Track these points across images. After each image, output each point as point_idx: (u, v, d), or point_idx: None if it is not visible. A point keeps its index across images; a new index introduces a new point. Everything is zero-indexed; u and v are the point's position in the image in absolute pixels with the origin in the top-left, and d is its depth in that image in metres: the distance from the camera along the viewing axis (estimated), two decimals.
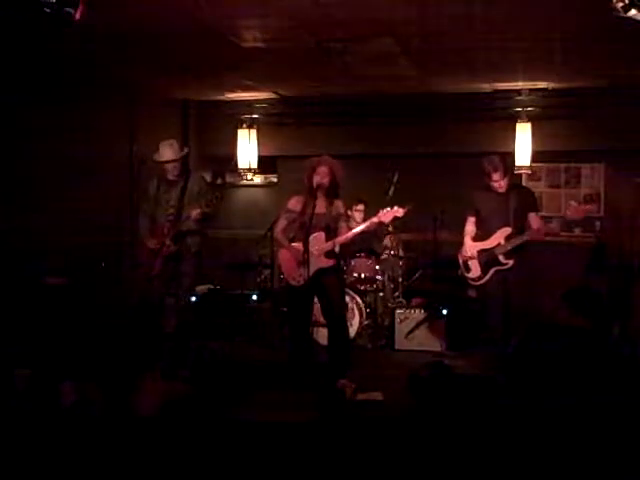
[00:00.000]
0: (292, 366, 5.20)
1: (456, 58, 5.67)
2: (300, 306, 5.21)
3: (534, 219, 5.13)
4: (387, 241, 6.83)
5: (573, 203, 5.13)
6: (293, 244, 5.16)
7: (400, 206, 5.01)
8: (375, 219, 5.02)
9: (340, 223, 5.15)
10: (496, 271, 5.17)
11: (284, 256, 5.25)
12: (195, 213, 5.22)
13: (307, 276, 4.91)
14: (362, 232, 5.14)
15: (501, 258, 5.14)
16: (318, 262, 5.03)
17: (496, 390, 4.53)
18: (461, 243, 5.47)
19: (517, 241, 5.06)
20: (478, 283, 5.30)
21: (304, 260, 4.91)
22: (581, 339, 5.54)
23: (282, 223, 5.26)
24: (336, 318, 5.20)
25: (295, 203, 5.19)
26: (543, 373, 4.86)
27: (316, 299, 5.27)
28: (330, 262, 5.10)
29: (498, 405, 4.24)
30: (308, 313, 5.26)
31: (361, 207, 6.59)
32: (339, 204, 5.17)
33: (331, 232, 5.10)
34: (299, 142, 7.57)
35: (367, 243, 6.55)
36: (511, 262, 5.11)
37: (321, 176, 5.04)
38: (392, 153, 7.36)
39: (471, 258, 5.26)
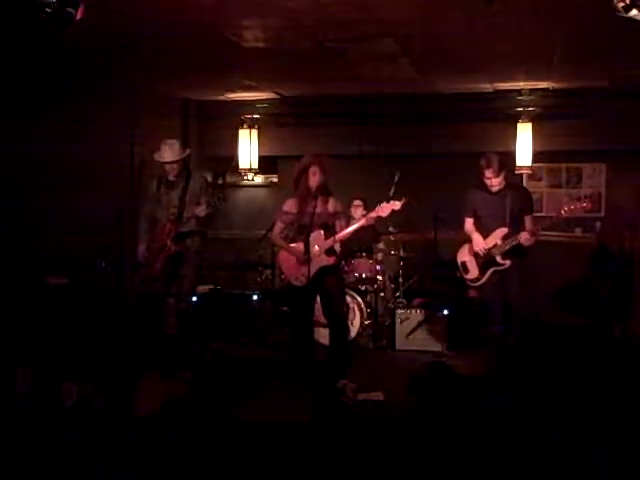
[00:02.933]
0: (294, 366, 5.20)
1: (456, 58, 5.66)
2: (302, 306, 5.21)
3: (528, 222, 5.12)
4: (387, 241, 6.83)
5: (566, 207, 5.11)
6: (292, 245, 5.16)
7: (397, 199, 5.01)
8: (373, 213, 5.02)
9: (338, 221, 5.14)
10: (494, 272, 5.17)
11: (284, 257, 5.24)
12: (199, 210, 5.20)
13: (309, 275, 4.91)
14: (361, 227, 5.15)
15: (498, 259, 5.13)
16: (319, 261, 5.03)
17: (496, 390, 4.54)
18: (461, 243, 5.45)
19: (513, 242, 5.05)
20: (476, 284, 5.30)
21: (305, 260, 4.92)
22: (581, 339, 5.55)
23: (279, 226, 5.25)
24: (337, 317, 5.20)
25: (291, 205, 5.18)
26: (543, 373, 4.87)
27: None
28: (331, 260, 5.10)
29: (498, 405, 4.24)
30: (310, 313, 5.26)
31: (359, 203, 6.60)
32: (336, 202, 5.17)
33: (330, 230, 5.10)
34: (299, 142, 7.56)
35: (367, 243, 6.55)
36: (508, 262, 5.11)
37: (317, 175, 5.04)
38: (392, 153, 7.36)
39: (489, 251, 5.17)
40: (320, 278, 5.05)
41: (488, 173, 5.08)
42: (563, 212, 5.04)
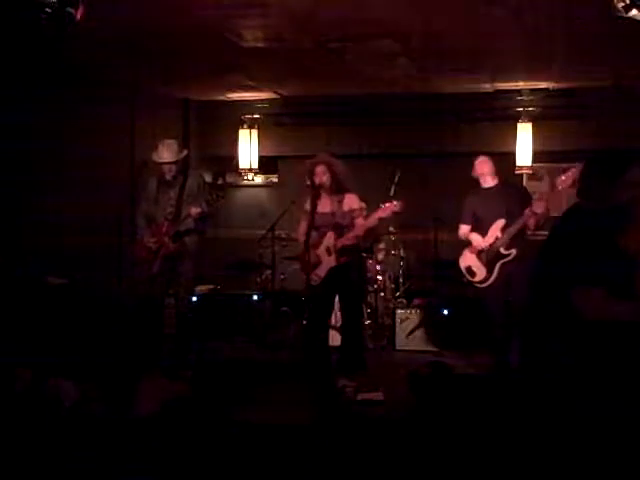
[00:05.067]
0: (307, 366, 5.19)
1: (456, 58, 5.66)
2: (318, 306, 5.22)
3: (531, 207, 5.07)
4: (387, 241, 6.83)
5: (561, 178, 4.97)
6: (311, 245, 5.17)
7: (397, 200, 5.01)
8: (376, 215, 5.02)
9: (356, 219, 5.10)
10: (502, 265, 5.10)
11: (304, 256, 5.22)
12: (195, 211, 5.23)
13: (320, 276, 4.94)
14: (366, 229, 5.15)
15: (502, 250, 5.09)
16: (329, 261, 5.05)
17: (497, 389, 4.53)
18: (461, 247, 5.43)
19: (513, 229, 5.01)
20: (486, 284, 5.22)
21: (318, 260, 4.97)
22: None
23: (303, 225, 5.24)
24: (350, 315, 5.21)
25: (309, 204, 5.20)
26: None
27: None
28: (341, 260, 5.08)
29: (498, 405, 4.24)
30: (325, 314, 5.26)
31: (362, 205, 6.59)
32: (351, 199, 5.13)
33: (343, 229, 5.08)
34: (299, 142, 7.57)
35: (367, 243, 6.55)
36: (514, 251, 5.04)
37: (320, 176, 5.06)
38: (392, 153, 7.36)
39: (490, 247, 5.14)
40: (334, 278, 5.06)
41: (480, 158, 5.10)
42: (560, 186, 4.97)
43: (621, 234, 2.84)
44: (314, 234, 5.10)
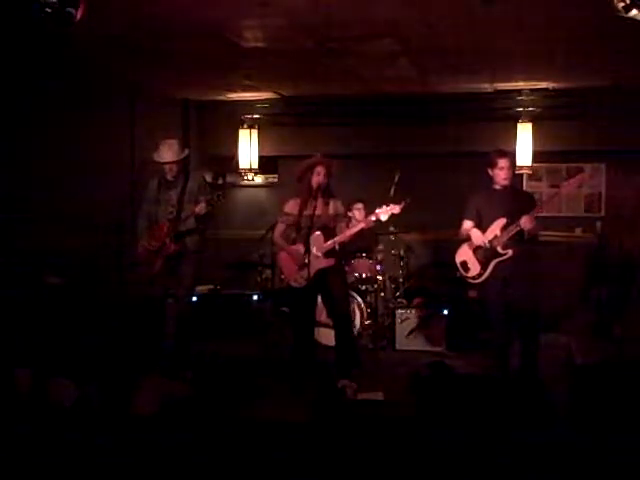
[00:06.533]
0: (296, 366, 5.20)
1: (456, 58, 5.66)
2: (303, 307, 5.22)
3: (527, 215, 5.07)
4: (387, 241, 6.83)
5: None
6: (292, 246, 5.18)
7: (396, 203, 5.02)
8: (373, 217, 5.04)
9: (339, 223, 5.16)
10: (497, 264, 5.09)
11: (284, 258, 5.27)
12: (199, 209, 5.23)
13: (308, 277, 4.92)
14: (361, 230, 5.15)
15: (499, 249, 5.08)
16: (318, 262, 5.04)
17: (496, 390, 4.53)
18: (461, 242, 5.43)
19: (513, 230, 5.00)
20: (479, 280, 5.21)
21: (305, 261, 4.93)
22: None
23: (280, 227, 5.29)
24: (340, 317, 5.22)
25: (293, 206, 5.21)
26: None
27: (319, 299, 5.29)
28: (330, 262, 5.11)
29: (498, 405, 4.24)
30: (311, 314, 5.26)
31: (360, 206, 6.58)
32: (337, 204, 5.20)
33: (330, 232, 5.11)
34: (299, 142, 7.57)
35: (367, 243, 6.56)
36: (510, 251, 5.04)
37: (321, 176, 5.06)
38: (392, 153, 7.36)
39: (484, 245, 5.13)
40: (320, 279, 5.06)
41: (502, 162, 5.05)
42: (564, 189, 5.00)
43: None
44: (299, 236, 5.10)
